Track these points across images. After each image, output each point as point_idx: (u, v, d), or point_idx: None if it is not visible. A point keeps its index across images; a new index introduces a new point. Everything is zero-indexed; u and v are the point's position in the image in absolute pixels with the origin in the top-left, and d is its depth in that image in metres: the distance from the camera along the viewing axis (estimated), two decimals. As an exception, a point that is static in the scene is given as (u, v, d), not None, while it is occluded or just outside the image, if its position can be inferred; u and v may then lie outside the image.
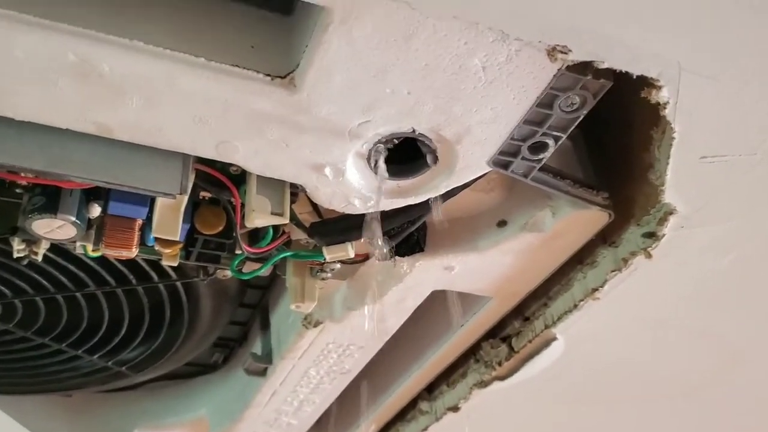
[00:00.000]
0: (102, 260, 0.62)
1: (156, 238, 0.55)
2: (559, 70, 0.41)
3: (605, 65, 0.38)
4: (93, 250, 0.55)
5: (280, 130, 0.43)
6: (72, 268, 0.61)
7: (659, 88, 0.39)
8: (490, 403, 0.74)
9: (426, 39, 0.38)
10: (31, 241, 0.55)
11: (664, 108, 0.41)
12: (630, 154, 0.53)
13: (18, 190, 0.50)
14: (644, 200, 0.53)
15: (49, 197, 0.49)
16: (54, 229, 0.50)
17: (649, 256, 0.53)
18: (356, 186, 0.48)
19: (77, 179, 0.45)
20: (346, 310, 0.63)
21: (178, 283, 0.64)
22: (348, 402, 0.89)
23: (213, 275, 0.63)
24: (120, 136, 0.43)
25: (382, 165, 0.46)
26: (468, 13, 0.35)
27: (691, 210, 0.49)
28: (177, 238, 0.51)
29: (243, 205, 0.51)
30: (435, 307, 0.72)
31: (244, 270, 0.64)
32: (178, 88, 0.40)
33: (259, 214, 0.48)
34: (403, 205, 0.51)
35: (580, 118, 0.45)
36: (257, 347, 0.77)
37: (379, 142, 0.46)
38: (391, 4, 0.35)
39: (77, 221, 0.49)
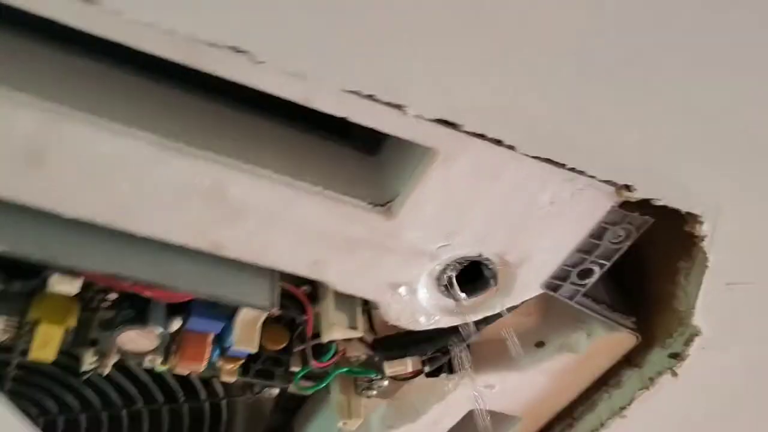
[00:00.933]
0: (154, 376, 0.64)
1: (220, 355, 0.59)
2: (612, 206, 0.49)
3: (661, 203, 0.46)
4: (162, 364, 0.58)
5: (369, 252, 0.49)
6: (124, 383, 0.63)
7: (701, 223, 0.47)
8: None
9: (510, 177, 0.46)
10: (102, 355, 0.57)
11: (702, 240, 0.48)
12: (652, 284, 0.61)
13: (104, 304, 0.54)
14: (666, 326, 0.60)
15: (138, 310, 0.53)
16: (137, 340, 0.54)
17: (674, 374, 0.59)
18: (424, 304, 0.54)
19: (181, 291, 0.49)
20: (386, 429, 0.66)
21: (223, 402, 0.66)
22: None
23: (259, 393, 0.66)
24: (228, 253, 0.48)
25: (456, 286, 0.52)
26: (560, 155, 0.42)
27: (715, 332, 0.56)
28: (255, 349, 0.55)
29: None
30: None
31: (290, 390, 0.68)
32: (293, 213, 0.46)
33: (338, 328, 0.53)
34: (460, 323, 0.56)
35: (624, 249, 0.52)
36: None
37: (449, 264, 0.52)
38: (494, 147, 0.42)
39: (162, 333, 0.53)
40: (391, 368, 0.57)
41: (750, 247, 0.50)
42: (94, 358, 0.57)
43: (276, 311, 0.51)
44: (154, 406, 0.65)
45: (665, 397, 0.60)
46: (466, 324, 0.56)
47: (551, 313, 0.62)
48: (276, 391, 0.65)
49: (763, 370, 0.58)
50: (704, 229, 0.47)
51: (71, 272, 0.47)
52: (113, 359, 0.58)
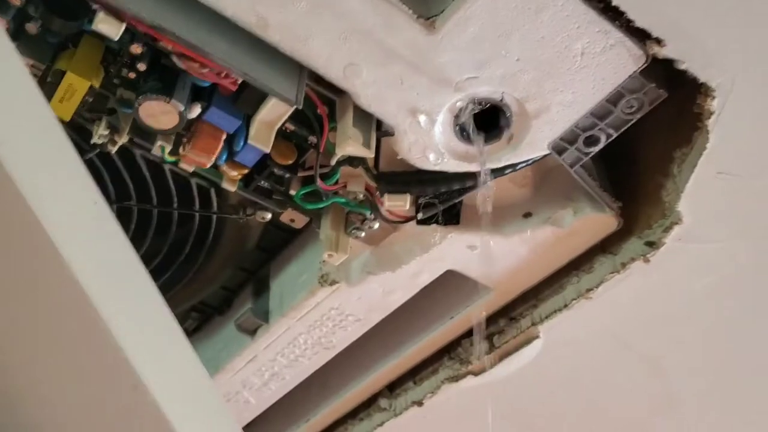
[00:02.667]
0: (154, 176, 0.65)
1: (227, 160, 0.60)
2: (634, 71, 0.52)
3: (684, 66, 0.49)
4: (170, 153, 0.59)
5: (402, 66, 0.51)
6: (123, 175, 0.64)
7: (714, 98, 0.50)
8: (453, 403, 0.80)
9: (552, 14, 0.48)
10: (115, 130, 0.58)
11: (708, 117, 0.52)
12: (642, 178, 0.65)
13: (132, 75, 0.55)
14: (649, 217, 0.64)
15: (165, 83, 0.54)
16: (157, 115, 0.55)
17: (647, 261, 0.63)
18: (437, 140, 0.56)
19: (217, 61, 0.50)
20: (365, 275, 0.69)
21: (214, 216, 0.68)
22: (301, 394, 0.91)
23: (252, 215, 0.67)
24: (271, 35, 0.49)
25: (473, 125, 0.54)
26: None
27: (693, 222, 0.59)
28: (268, 150, 0.57)
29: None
30: (423, 301, 0.78)
31: (282, 219, 0.70)
32: (344, 4, 0.47)
33: (353, 143, 0.54)
34: (466, 170, 0.59)
35: (632, 121, 0.55)
36: (243, 315, 0.79)
37: (472, 102, 0.54)
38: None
39: (184, 112, 0.54)
40: (391, 201, 0.60)
41: (748, 137, 0.53)
42: (106, 132, 0.58)
43: (299, 105, 0.52)
44: (146, 206, 0.66)
45: (634, 283, 0.64)
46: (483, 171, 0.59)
47: (544, 188, 0.65)
48: (268, 216, 0.67)
49: (734, 270, 0.63)
50: (715, 104, 0.51)
51: (117, 14, 0.48)
52: (125, 137, 0.59)
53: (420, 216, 0.63)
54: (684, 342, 0.72)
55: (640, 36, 0.48)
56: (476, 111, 0.55)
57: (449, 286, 0.74)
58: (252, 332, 0.77)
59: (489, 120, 0.57)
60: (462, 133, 0.57)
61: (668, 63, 0.51)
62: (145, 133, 0.59)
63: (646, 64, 0.51)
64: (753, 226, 0.59)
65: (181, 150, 0.59)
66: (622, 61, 0.51)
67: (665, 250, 0.62)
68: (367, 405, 0.87)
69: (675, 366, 0.76)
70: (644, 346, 0.73)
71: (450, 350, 0.79)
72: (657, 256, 0.62)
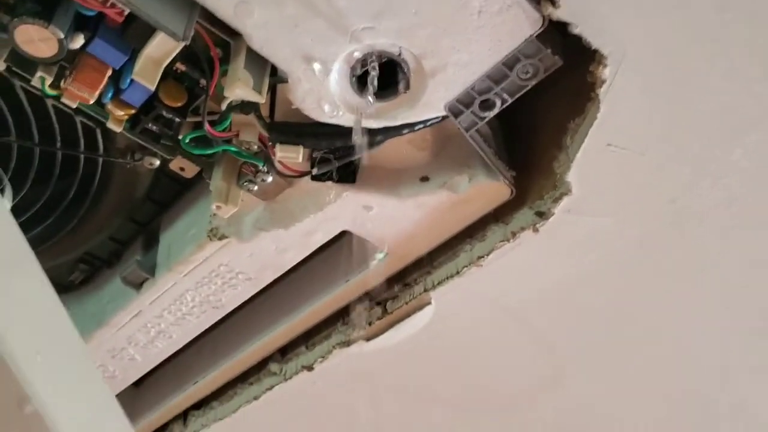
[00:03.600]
0: (36, 112, 0.62)
1: (113, 98, 0.57)
2: (531, 35, 0.51)
3: (576, 30, 0.49)
4: (51, 86, 0.56)
5: (296, 8, 0.49)
6: (2, 106, 0.60)
7: (605, 66, 0.51)
8: (343, 369, 0.79)
9: (450, -34, 0.47)
10: (-9, 54, 0.54)
11: (600, 86, 0.52)
12: (536, 149, 0.65)
13: (8, -4, 0.51)
14: (540, 188, 0.64)
15: (45, 7, 0.50)
16: (35, 41, 0.51)
17: (536, 231, 0.63)
18: (332, 91, 0.55)
19: (97, -12, 0.47)
20: (256, 231, 0.67)
21: (100, 160, 0.65)
22: (190, 355, 0.89)
23: (140, 161, 0.64)
24: (158, -39, 0.47)
25: (370, 82, 0.53)
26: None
27: (582, 194, 0.60)
28: (153, 88, 0.54)
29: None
30: (318, 263, 0.77)
31: (172, 167, 0.67)
32: (236, -67, 0.45)
33: (242, 86, 0.52)
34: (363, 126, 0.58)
35: (527, 88, 0.55)
36: (129, 268, 0.76)
37: (368, 56, 0.53)
38: None
39: (64, 40, 0.51)
40: (283, 152, 0.58)
41: (638, 110, 0.54)
42: (-21, 55, 0.54)
43: (185, 43, 0.50)
44: (28, 143, 0.62)
45: (523, 252, 0.65)
46: (365, 130, 0.58)
47: (442, 153, 0.65)
48: (157, 162, 0.64)
49: (621, 245, 0.64)
50: (606, 72, 0.51)
51: None
52: (1, 64, 0.55)
53: (314, 171, 0.62)
54: (571, 316, 0.74)
55: (536, -6, 0.48)
56: (374, 65, 0.54)
57: (344, 249, 0.73)
58: (138, 286, 0.73)
59: (389, 77, 0.56)
60: (359, 86, 0.55)
61: (567, 32, 0.51)
62: (25, 62, 0.55)
63: (542, 29, 0.50)
64: (639, 202, 0.60)
65: (62, 83, 0.55)
66: (519, 23, 0.51)
67: (554, 221, 0.62)
68: (258, 369, 0.85)
69: (562, 340, 0.77)
70: (533, 318, 0.74)
71: (343, 315, 0.78)
72: (546, 227, 0.63)
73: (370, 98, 0.55)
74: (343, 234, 0.70)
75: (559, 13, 0.48)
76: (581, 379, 0.83)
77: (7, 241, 0.47)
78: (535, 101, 0.60)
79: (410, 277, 0.73)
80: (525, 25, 0.51)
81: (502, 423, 0.88)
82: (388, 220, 0.66)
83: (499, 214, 0.67)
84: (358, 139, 0.57)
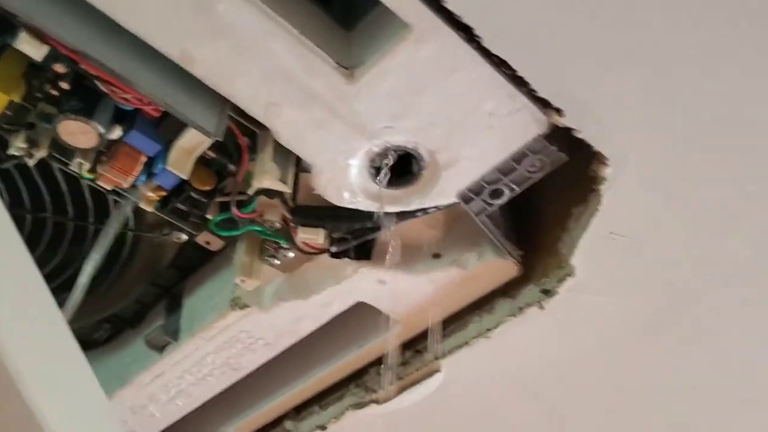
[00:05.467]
0: (72, 189, 0.66)
1: (146, 181, 0.61)
2: (538, 135, 0.55)
3: (580, 135, 0.53)
4: (89, 171, 0.60)
5: (322, 111, 0.53)
6: (40, 186, 0.64)
7: (607, 165, 0.55)
8: (355, 430, 0.82)
9: (464, 75, 0.51)
10: (34, 144, 0.58)
11: (602, 182, 0.56)
12: (543, 230, 0.69)
13: (54, 92, 0.55)
14: (546, 266, 0.68)
15: (87, 104, 0.55)
16: (77, 134, 0.55)
17: (541, 307, 0.67)
18: (352, 181, 0.59)
19: (140, 90, 0.51)
20: (276, 300, 0.71)
21: (129, 233, 0.69)
22: (208, 411, 0.92)
23: (168, 235, 0.68)
24: (196, 70, 0.51)
25: (384, 171, 0.57)
26: (516, 60, 0.48)
27: (586, 276, 0.64)
28: (186, 176, 0.58)
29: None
30: (333, 329, 0.81)
31: (198, 241, 0.71)
32: (268, 46, 0.49)
33: (270, 178, 0.56)
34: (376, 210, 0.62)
35: (535, 179, 0.59)
36: (153, 332, 0.80)
37: (387, 148, 0.57)
38: (461, 40, 0.48)
39: (104, 134, 0.55)
40: (305, 233, 0.62)
41: (636, 205, 0.58)
42: (25, 145, 0.58)
43: (219, 138, 0.54)
44: (62, 218, 0.66)
45: (529, 327, 0.68)
46: (383, 213, 0.62)
47: (453, 231, 0.69)
48: (184, 237, 0.68)
49: (621, 323, 0.67)
50: (607, 172, 0.55)
51: (41, 36, 0.49)
52: (44, 151, 0.59)
53: (333, 249, 0.65)
54: (577, 389, 0.77)
55: (544, 103, 0.52)
56: (393, 158, 0.58)
57: (359, 317, 0.76)
58: (160, 349, 0.77)
59: (405, 165, 0.60)
60: (377, 176, 0.59)
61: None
62: (64, 148, 0.59)
63: (548, 131, 0.55)
64: (638, 286, 0.64)
65: (99, 168, 0.59)
66: (527, 124, 0.55)
67: (559, 299, 0.66)
68: (273, 426, 0.88)
69: (570, 412, 0.80)
70: (540, 390, 0.77)
71: (356, 378, 0.81)
72: (551, 304, 0.66)
73: (381, 186, 0.59)
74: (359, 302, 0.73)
75: (564, 121, 0.52)
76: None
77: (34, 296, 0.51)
78: (543, 185, 0.64)
79: (421, 345, 0.77)
80: (532, 126, 0.55)
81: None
82: (402, 293, 0.70)
83: (506, 289, 0.70)
84: (381, 223, 0.61)
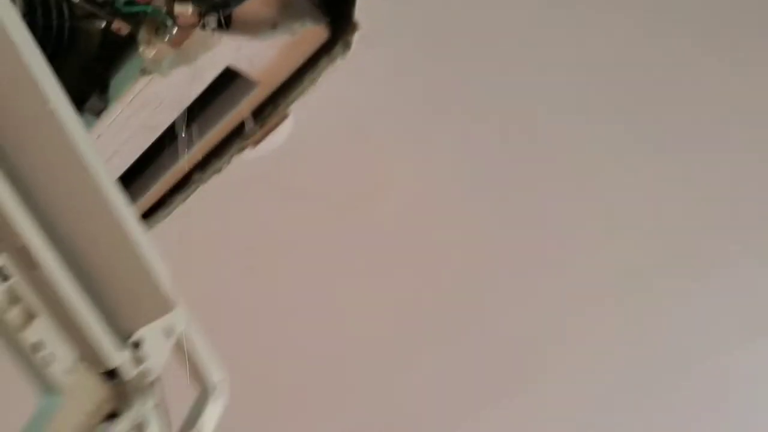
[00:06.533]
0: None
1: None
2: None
3: None
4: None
5: None
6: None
7: None
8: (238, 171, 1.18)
9: None
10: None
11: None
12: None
13: None
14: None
15: None
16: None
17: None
18: (204, -33, 0.92)
19: None
20: (171, 68, 1.04)
21: (66, 24, 1.01)
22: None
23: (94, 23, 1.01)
24: None
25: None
26: None
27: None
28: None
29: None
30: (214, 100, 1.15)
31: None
32: None
33: (150, -36, 0.89)
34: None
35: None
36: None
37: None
38: None
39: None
40: (178, 7, 0.95)
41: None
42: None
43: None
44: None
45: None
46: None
47: (284, 8, 1.03)
48: (102, 24, 1.01)
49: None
50: None
51: None
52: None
53: (203, 23, 0.99)
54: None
55: None
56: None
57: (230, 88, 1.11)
58: (98, 113, 1.11)
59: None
60: (221, -36, 0.93)
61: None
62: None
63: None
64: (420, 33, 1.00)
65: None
66: None
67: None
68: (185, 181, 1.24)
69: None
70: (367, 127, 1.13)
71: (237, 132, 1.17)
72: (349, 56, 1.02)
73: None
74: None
75: None
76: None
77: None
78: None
79: (277, 100, 1.12)
80: None
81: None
82: (255, 58, 1.04)
83: (324, 49, 1.05)
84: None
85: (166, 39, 1.01)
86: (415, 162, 1.18)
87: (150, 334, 0.79)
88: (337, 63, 1.03)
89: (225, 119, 1.13)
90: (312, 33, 1.02)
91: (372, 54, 1.03)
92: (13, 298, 0.68)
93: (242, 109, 1.12)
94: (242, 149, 1.15)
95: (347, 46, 1.01)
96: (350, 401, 1.62)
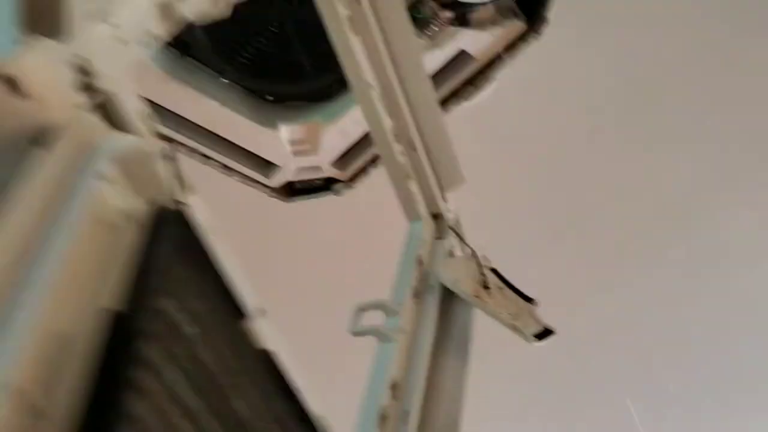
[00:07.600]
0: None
1: None
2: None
3: None
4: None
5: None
6: None
7: None
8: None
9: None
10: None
11: None
12: None
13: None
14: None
15: None
16: None
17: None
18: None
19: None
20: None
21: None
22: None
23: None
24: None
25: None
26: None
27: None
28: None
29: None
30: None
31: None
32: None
33: None
34: None
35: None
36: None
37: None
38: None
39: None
40: (442, 13, 1.61)
41: None
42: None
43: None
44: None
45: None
46: None
47: (498, 9, 1.68)
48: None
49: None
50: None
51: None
52: None
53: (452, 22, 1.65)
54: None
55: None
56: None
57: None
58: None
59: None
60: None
61: None
62: None
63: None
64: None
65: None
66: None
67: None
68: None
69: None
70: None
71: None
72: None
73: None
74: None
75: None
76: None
77: None
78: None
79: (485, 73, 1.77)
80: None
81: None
82: (477, 42, 1.70)
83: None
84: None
85: (430, 33, 1.68)
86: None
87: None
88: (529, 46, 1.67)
89: (450, 83, 1.79)
90: (515, 26, 1.66)
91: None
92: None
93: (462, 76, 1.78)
94: (467, 99, 1.81)
95: (538, 34, 1.65)
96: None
